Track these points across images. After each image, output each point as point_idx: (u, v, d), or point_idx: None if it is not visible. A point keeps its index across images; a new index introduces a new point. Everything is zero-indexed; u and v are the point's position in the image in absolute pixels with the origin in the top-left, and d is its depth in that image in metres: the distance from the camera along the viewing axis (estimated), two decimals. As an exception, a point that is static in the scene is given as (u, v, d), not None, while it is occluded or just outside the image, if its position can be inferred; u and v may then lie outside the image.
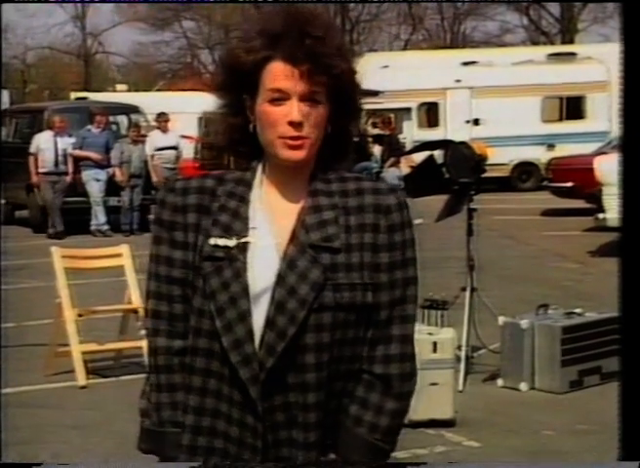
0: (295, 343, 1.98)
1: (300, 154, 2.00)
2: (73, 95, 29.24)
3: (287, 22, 1.99)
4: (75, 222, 16.17)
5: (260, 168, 2.07)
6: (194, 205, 2.05)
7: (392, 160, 16.35)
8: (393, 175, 16.32)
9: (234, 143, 2.10)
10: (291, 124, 1.98)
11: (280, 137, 1.99)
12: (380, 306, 2.04)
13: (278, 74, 1.98)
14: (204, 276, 2.02)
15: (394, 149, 16.55)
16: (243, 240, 2.01)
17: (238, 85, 2.03)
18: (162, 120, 16.96)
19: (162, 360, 2.09)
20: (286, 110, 1.98)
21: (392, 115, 18.84)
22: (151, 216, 13.75)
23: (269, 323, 1.98)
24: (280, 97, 1.99)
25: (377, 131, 17.92)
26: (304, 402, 1.99)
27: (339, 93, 2.01)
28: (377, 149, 18.15)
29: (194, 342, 2.05)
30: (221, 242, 2.01)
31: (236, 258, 2.00)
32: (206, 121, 21.11)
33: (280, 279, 1.99)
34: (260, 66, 1.99)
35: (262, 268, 2.00)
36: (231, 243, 2.01)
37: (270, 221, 2.03)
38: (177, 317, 2.08)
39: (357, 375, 2.05)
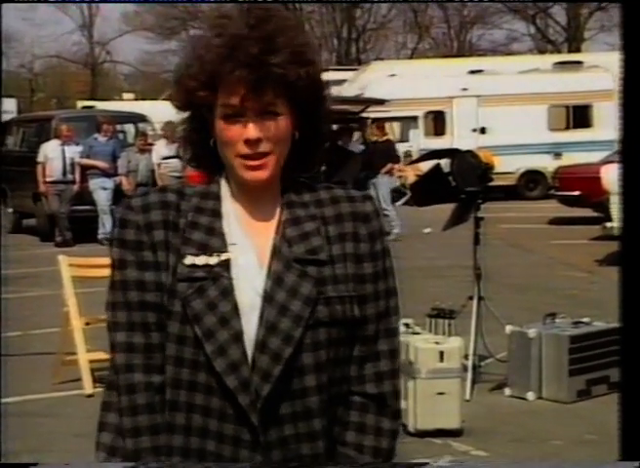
0: (292, 366, 1.82)
1: (261, 175, 1.86)
2: (80, 103, 29.39)
3: (233, 34, 1.84)
4: (82, 231, 16.18)
5: (223, 180, 1.93)
6: (160, 221, 1.88)
7: (387, 167, 16.28)
8: (386, 182, 16.25)
9: (197, 158, 1.96)
10: (247, 142, 1.83)
11: (238, 156, 1.85)
12: (367, 320, 1.91)
13: (228, 91, 1.83)
14: (183, 299, 1.83)
15: (391, 156, 16.45)
16: (224, 256, 1.85)
17: (196, 104, 1.89)
18: (169, 129, 16.98)
19: (142, 398, 1.87)
20: (241, 128, 1.84)
21: (387, 123, 18.74)
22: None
23: (260, 346, 1.82)
24: (235, 114, 1.84)
25: (375, 138, 17.76)
26: (309, 430, 1.85)
27: (299, 100, 1.87)
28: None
29: (176, 374, 1.85)
30: (200, 260, 1.85)
31: (220, 276, 1.84)
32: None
33: (268, 297, 1.84)
34: (213, 86, 1.85)
35: (246, 287, 1.85)
36: (213, 260, 1.84)
37: (248, 236, 1.89)
38: (154, 348, 1.88)
39: (345, 399, 1.91)
